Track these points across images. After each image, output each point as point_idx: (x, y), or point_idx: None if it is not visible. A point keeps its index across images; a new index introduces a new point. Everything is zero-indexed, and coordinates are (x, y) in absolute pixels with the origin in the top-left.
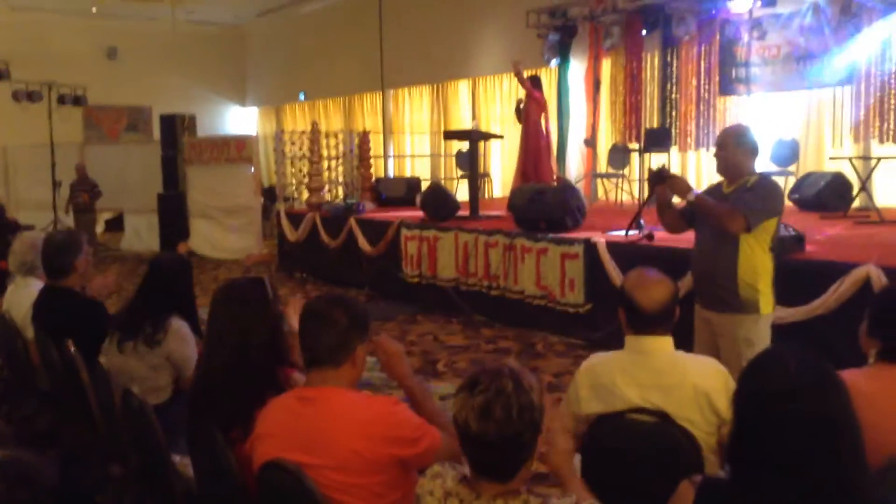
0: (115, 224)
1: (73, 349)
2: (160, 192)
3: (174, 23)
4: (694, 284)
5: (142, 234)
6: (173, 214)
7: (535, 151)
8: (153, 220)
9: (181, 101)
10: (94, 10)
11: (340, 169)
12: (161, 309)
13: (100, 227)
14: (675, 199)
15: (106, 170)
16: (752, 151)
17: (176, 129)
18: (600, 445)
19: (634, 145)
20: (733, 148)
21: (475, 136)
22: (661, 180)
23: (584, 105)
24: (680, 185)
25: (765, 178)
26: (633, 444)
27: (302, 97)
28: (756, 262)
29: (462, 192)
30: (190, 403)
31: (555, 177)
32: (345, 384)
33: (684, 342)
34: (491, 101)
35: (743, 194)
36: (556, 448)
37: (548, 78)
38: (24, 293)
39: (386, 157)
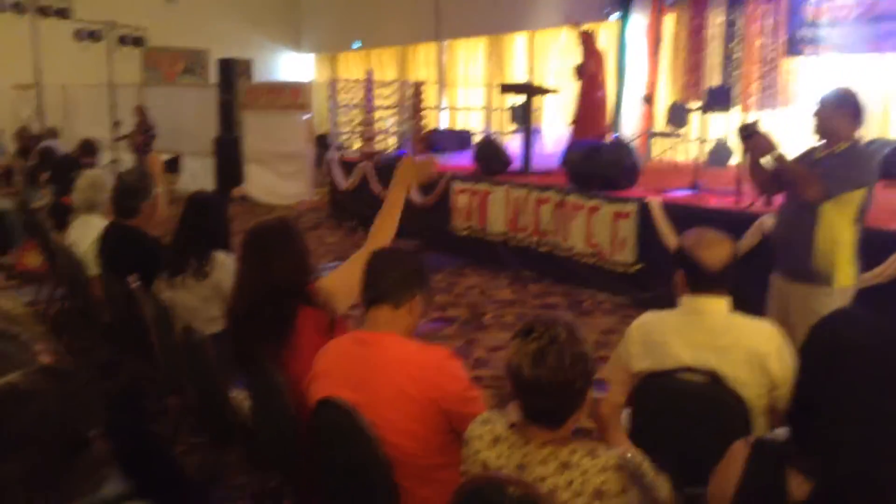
0: (173, 165)
1: (134, 284)
2: (216, 135)
3: None
4: (773, 250)
5: (198, 177)
6: (229, 158)
7: (590, 107)
8: (209, 163)
9: (238, 45)
10: None
11: (393, 119)
12: (202, 243)
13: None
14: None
15: (163, 112)
16: (853, 116)
17: (233, 73)
18: (649, 403)
19: (694, 104)
20: (831, 110)
21: (531, 90)
22: (747, 136)
23: (643, 61)
24: (761, 144)
25: (857, 147)
26: (683, 403)
27: (357, 45)
28: (836, 234)
29: (515, 147)
30: (232, 331)
31: (608, 134)
32: (400, 331)
33: (750, 309)
34: (547, 56)
35: (829, 160)
36: (605, 399)
37: (607, 32)
38: (86, 229)
39: (439, 108)
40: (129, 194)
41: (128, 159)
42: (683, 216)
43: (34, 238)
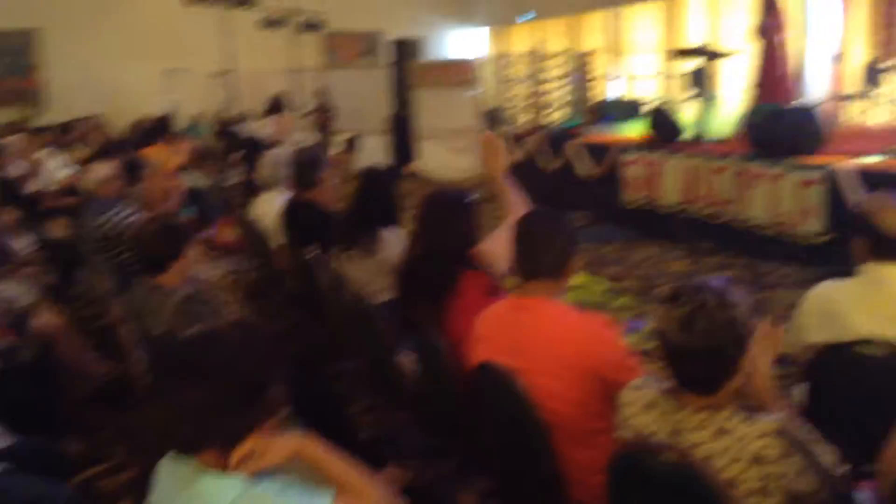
0: (351, 144)
1: (311, 254)
2: (390, 114)
3: None
4: None
5: (374, 155)
6: (402, 136)
7: (772, 69)
8: (385, 141)
9: (411, 24)
10: None
11: (563, 90)
12: (372, 219)
13: (337, 148)
14: None
15: (341, 93)
16: None
17: (405, 53)
18: (826, 377)
19: (889, 63)
20: None
21: (706, 54)
22: None
23: (832, 17)
24: None
25: None
26: (862, 376)
27: (527, 17)
28: None
29: (690, 114)
30: (400, 292)
31: (793, 97)
32: (556, 295)
33: None
34: (728, 15)
35: None
36: (758, 371)
37: None
38: (271, 204)
39: (611, 77)
40: (306, 167)
41: (310, 138)
42: (877, 183)
43: (229, 214)
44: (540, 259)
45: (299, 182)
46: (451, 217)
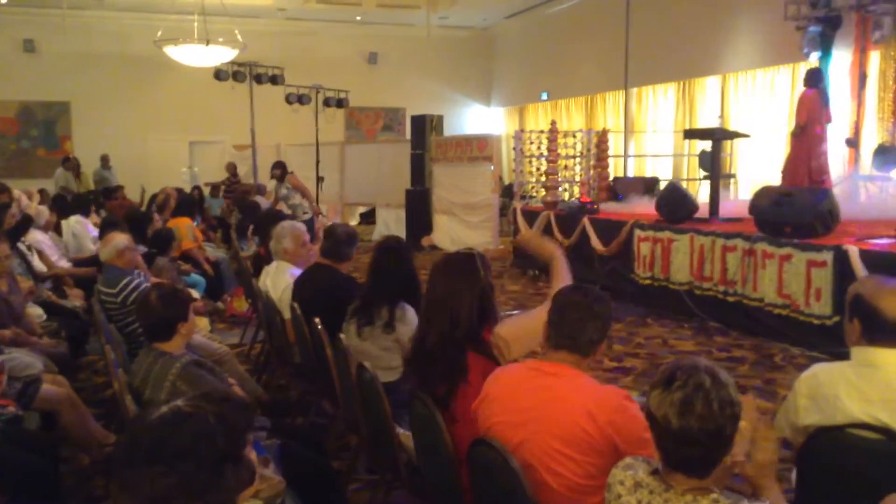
0: (369, 217)
1: (319, 326)
2: (408, 188)
3: (429, 28)
4: None
5: (391, 227)
6: (419, 209)
7: (807, 153)
8: (401, 214)
9: (431, 102)
10: (357, 17)
11: (578, 168)
12: (392, 294)
13: (355, 220)
14: None
15: (362, 166)
16: None
17: (425, 128)
18: (817, 460)
19: None
20: None
21: (718, 135)
22: None
23: (846, 102)
24: None
25: None
26: (854, 460)
27: (545, 97)
28: None
29: (705, 194)
30: (411, 363)
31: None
32: (582, 368)
33: None
34: (742, 98)
35: None
36: (756, 458)
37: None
38: (281, 276)
39: (626, 156)
40: (345, 244)
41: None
42: (887, 266)
43: (242, 285)
44: (576, 336)
45: (337, 256)
46: (467, 283)
